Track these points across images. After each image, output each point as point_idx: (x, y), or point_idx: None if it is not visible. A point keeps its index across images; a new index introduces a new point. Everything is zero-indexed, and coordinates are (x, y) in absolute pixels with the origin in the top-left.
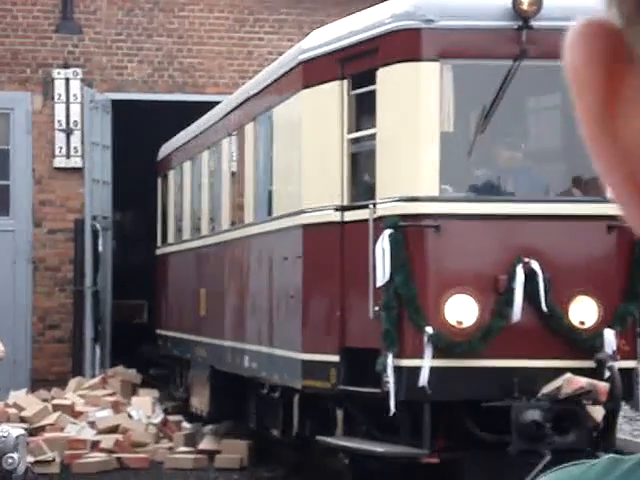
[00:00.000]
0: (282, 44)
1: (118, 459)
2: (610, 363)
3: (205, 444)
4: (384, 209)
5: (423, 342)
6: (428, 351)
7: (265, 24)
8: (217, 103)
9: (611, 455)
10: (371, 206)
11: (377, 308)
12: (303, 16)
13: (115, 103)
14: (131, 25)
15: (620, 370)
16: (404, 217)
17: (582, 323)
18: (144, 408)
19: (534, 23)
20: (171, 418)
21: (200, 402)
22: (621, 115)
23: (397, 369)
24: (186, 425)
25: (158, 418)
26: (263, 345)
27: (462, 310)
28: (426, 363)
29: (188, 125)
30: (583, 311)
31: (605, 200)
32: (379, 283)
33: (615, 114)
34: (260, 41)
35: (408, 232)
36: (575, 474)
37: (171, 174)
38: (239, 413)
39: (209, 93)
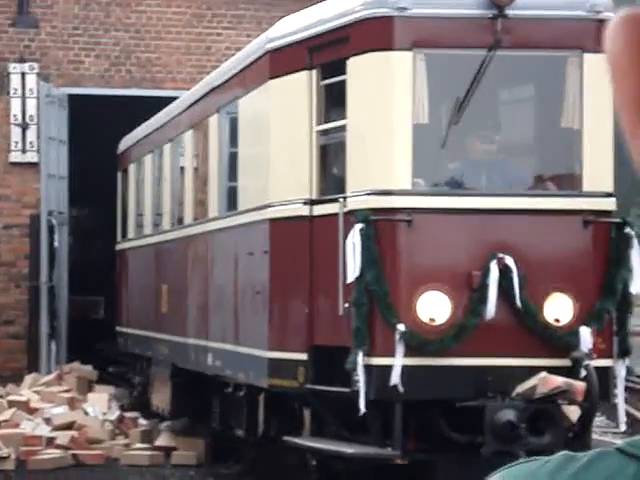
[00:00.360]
0: (240, 39)
1: (74, 456)
2: (586, 362)
3: (162, 441)
4: (355, 203)
5: (394, 340)
6: (400, 349)
7: (223, 19)
8: (175, 98)
9: (565, 452)
10: (341, 200)
11: (347, 305)
12: (262, 12)
13: (72, 98)
14: (88, 19)
15: (596, 369)
16: (375, 211)
17: (557, 320)
18: (100, 405)
19: (509, 12)
20: (127, 415)
21: (161, 401)
22: None
23: (367, 368)
24: (142, 422)
25: (114, 415)
26: (228, 343)
27: (435, 307)
28: (397, 361)
29: (146, 120)
30: (558, 308)
31: (581, 194)
32: (349, 279)
33: None
34: (218, 36)
35: (380, 226)
36: (531, 469)
37: (132, 168)
38: (201, 412)
39: (167, 88)
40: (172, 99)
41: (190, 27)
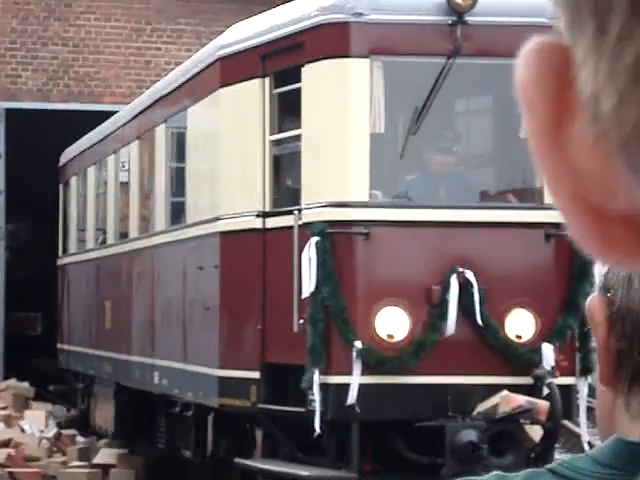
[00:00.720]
0: (180, 54)
1: (10, 474)
2: (549, 380)
3: (100, 458)
4: (310, 215)
5: (352, 357)
6: (357, 367)
7: (163, 34)
8: (114, 113)
9: (497, 472)
10: (296, 212)
11: (302, 321)
12: (201, 26)
13: (9, 112)
14: (26, 33)
15: (559, 387)
16: (332, 224)
17: (519, 337)
18: (37, 422)
19: (469, 18)
20: (65, 432)
21: (105, 420)
22: (568, 131)
23: (324, 386)
24: (80, 439)
25: (51, 432)
26: (175, 361)
27: (393, 323)
28: (355, 380)
29: (84, 135)
30: (520, 324)
31: (543, 207)
32: (305, 294)
33: (563, 130)
34: (158, 51)
35: (336, 240)
36: None
37: (73, 180)
38: (147, 432)
39: (105, 103)
40: (111, 113)
41: (129, 41)
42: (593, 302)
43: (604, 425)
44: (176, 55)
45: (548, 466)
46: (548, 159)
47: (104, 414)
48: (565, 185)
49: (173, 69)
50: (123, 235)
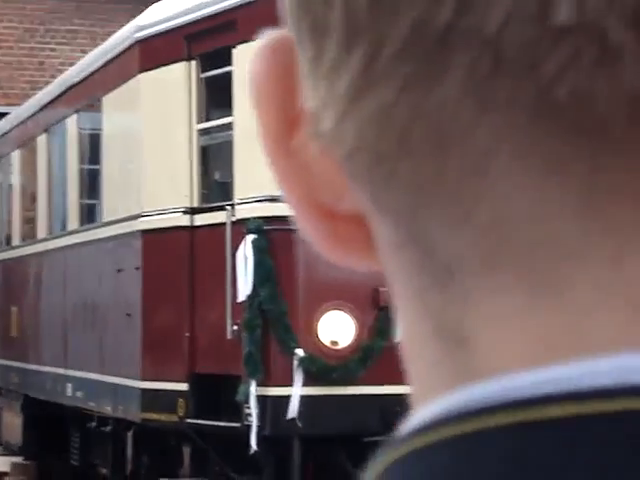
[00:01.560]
0: (74, 55)
1: None
2: None
3: None
4: (244, 211)
5: (292, 367)
6: (298, 377)
7: (56, 35)
8: (6, 114)
9: None
10: (228, 207)
11: (236, 327)
12: (96, 27)
13: None
14: None
15: None
16: (269, 220)
17: None
18: None
19: None
20: None
21: (12, 435)
22: (299, 136)
23: (261, 399)
24: None
25: None
26: (91, 371)
27: (337, 329)
28: (296, 391)
29: None
30: None
31: None
32: (240, 298)
33: (295, 134)
34: (52, 52)
35: (274, 237)
36: None
37: None
38: (59, 448)
39: None
40: (3, 115)
41: (22, 42)
42: None
43: None
44: (70, 56)
45: None
46: (280, 160)
47: (11, 428)
48: (298, 187)
49: (67, 70)
50: (29, 236)
